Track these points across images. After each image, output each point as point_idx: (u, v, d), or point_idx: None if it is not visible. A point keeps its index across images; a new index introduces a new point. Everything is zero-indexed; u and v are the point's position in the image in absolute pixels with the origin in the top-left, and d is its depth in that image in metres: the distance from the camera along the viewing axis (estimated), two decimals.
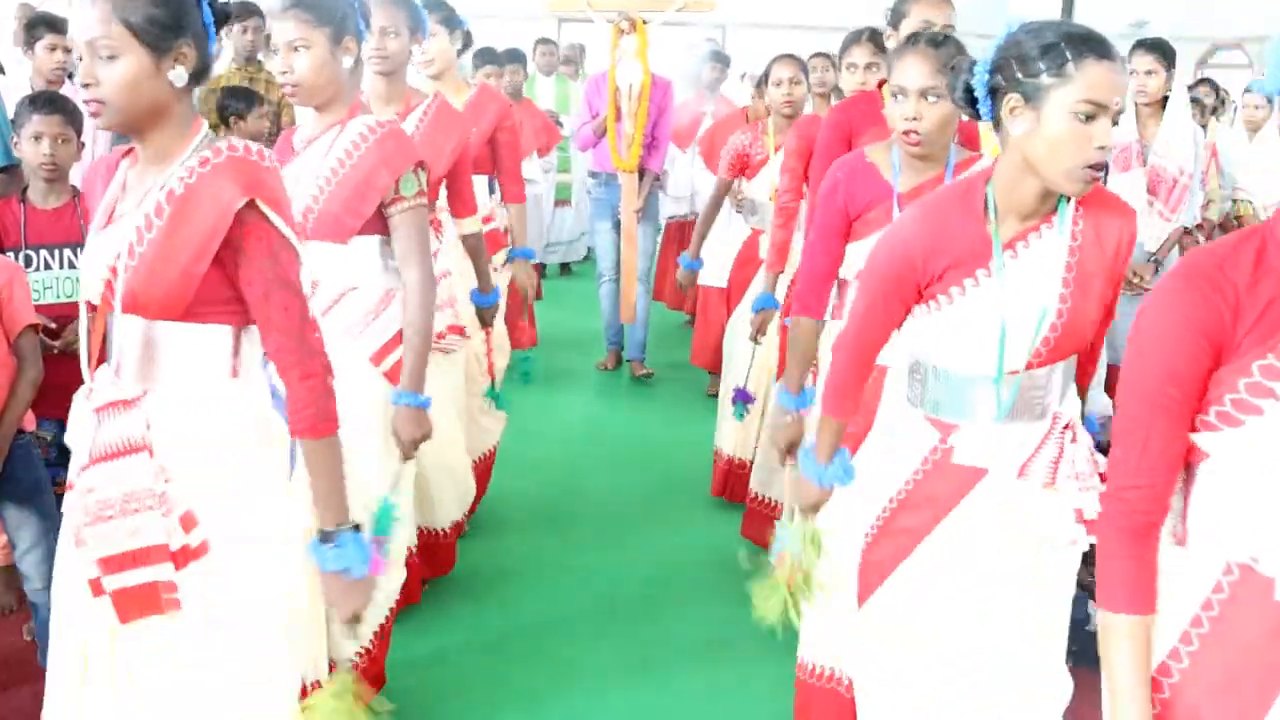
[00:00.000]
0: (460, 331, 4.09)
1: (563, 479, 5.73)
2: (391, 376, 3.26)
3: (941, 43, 3.00)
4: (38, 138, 3.68)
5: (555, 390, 7.15)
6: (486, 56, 7.07)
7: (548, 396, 6.94)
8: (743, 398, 5.12)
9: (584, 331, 8.34)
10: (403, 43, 3.97)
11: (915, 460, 2.60)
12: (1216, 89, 9.15)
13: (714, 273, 6.92)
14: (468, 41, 4.89)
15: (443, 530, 4.36)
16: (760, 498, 4.93)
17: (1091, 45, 2.21)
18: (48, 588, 3.36)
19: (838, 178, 3.19)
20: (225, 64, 7.12)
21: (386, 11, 3.89)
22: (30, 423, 3.51)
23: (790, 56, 5.64)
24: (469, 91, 4.84)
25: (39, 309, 3.56)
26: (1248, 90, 7.62)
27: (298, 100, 3.19)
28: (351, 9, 3.17)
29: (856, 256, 3.14)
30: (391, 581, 3.49)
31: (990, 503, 2.52)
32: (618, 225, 7.41)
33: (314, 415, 2.27)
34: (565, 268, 10.65)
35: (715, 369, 7.10)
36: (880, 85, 3.73)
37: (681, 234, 8.36)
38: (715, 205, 5.90)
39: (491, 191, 5.01)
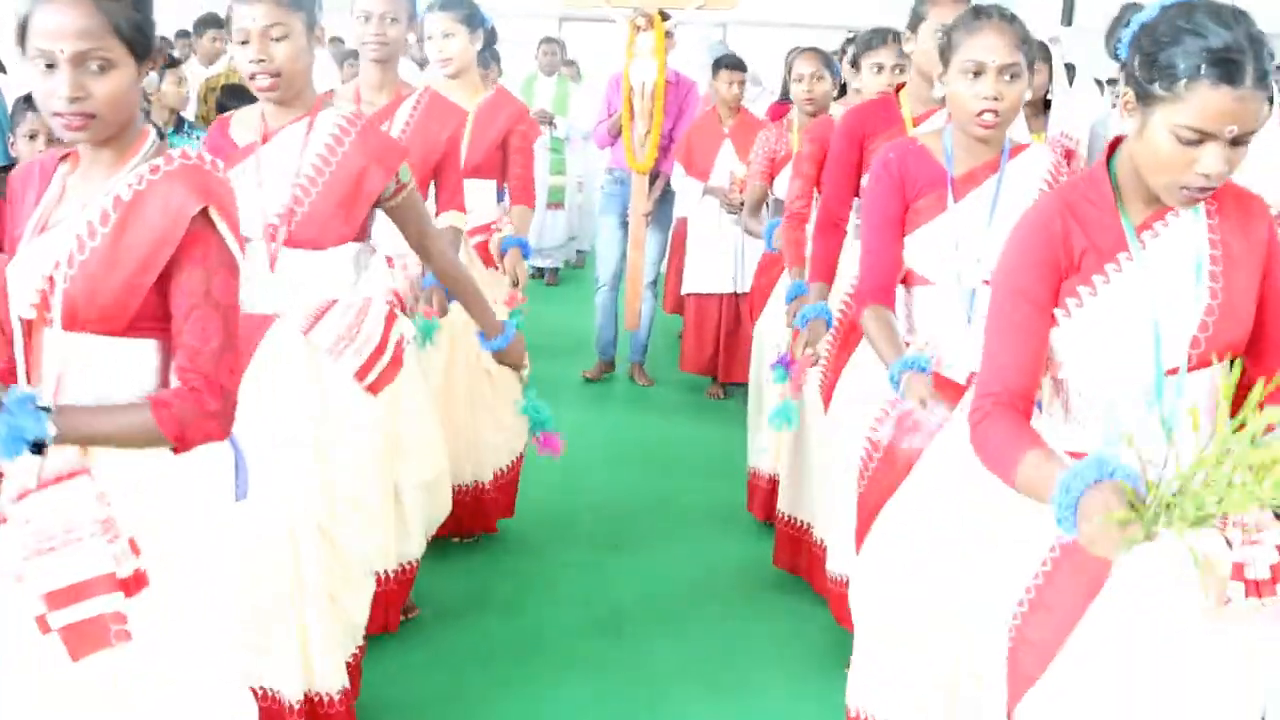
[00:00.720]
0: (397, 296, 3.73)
1: (564, 491, 5.39)
2: (374, 389, 3.10)
3: (1012, 18, 2.84)
4: (33, 136, 3.63)
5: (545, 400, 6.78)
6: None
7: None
8: (784, 363, 4.36)
9: (570, 338, 7.99)
10: (401, 30, 3.87)
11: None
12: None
13: (708, 279, 6.78)
14: (490, 40, 4.71)
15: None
16: (789, 519, 4.47)
17: (1215, 65, 1.92)
18: None
19: (890, 157, 3.00)
20: (225, 64, 7.16)
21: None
22: None
23: (813, 50, 5.31)
24: (484, 93, 4.63)
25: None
26: None
27: (275, 95, 2.91)
28: None
29: (909, 251, 3.03)
30: (359, 610, 3.21)
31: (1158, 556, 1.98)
32: (625, 225, 7.16)
33: (178, 422, 2.06)
34: (554, 274, 10.22)
35: (707, 372, 6.97)
36: (899, 89, 3.63)
37: (681, 240, 7.92)
38: (755, 214, 5.51)
39: (500, 199, 4.74)
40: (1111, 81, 8.88)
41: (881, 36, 4.16)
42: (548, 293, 9.55)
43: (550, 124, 9.26)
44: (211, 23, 7.80)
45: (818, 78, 5.20)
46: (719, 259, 6.73)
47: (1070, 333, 2.19)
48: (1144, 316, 2.13)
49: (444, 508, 3.82)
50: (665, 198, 7.12)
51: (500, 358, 3.52)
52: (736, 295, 6.63)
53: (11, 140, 3.77)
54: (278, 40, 2.85)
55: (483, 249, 4.52)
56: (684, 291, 7.06)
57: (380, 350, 3.10)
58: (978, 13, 2.88)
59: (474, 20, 4.47)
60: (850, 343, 3.66)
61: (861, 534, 2.99)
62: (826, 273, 3.78)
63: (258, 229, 2.93)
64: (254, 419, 2.68)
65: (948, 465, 2.61)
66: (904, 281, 3.07)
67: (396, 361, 3.16)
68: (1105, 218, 2.17)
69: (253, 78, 2.89)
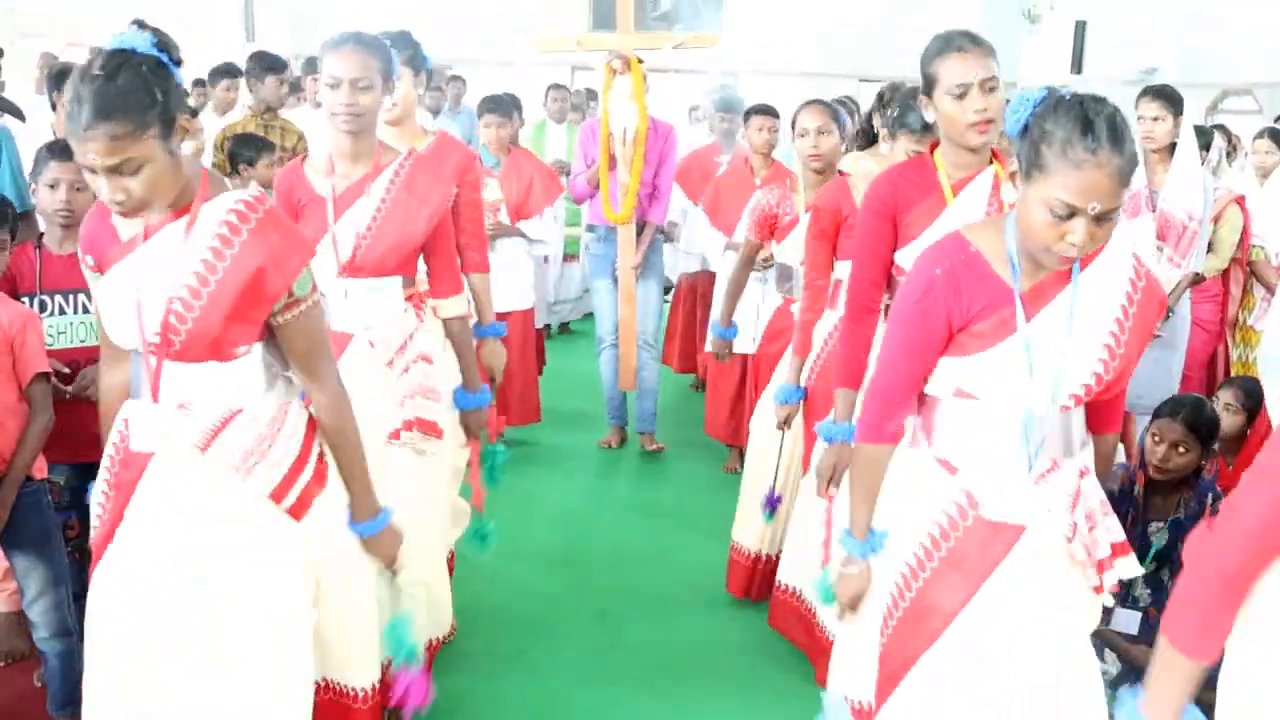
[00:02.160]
0: (433, 429, 3.54)
1: (560, 576, 5.03)
2: (295, 512, 2.61)
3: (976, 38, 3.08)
4: (54, 185, 3.65)
5: (553, 471, 6.45)
6: (490, 104, 6.55)
7: (544, 479, 6.27)
8: (772, 504, 4.50)
9: (589, 401, 7.44)
10: (375, 96, 3.43)
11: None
12: (1228, 135, 9.16)
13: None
14: (433, 81, 4.35)
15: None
16: (787, 588, 4.32)
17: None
18: (55, 635, 3.43)
19: (936, 274, 2.45)
20: (241, 112, 7.21)
21: (358, 60, 3.39)
22: (41, 469, 3.48)
23: (818, 103, 4.81)
24: (427, 139, 4.23)
25: (52, 354, 3.56)
26: (1259, 136, 7.61)
27: (131, 214, 2.40)
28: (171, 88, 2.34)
29: (955, 373, 2.53)
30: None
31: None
32: (618, 282, 6.67)
33: None
34: (564, 326, 9.80)
35: (731, 441, 6.46)
36: (932, 148, 3.26)
37: (694, 292, 7.76)
38: (745, 268, 5.20)
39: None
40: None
41: (912, 91, 3.78)
42: (563, 349, 9.08)
43: (566, 174, 8.66)
44: (225, 72, 7.83)
45: (823, 132, 4.72)
46: (740, 317, 6.17)
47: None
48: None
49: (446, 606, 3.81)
50: (655, 247, 6.69)
51: (368, 546, 2.80)
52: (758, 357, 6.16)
53: (33, 187, 3.80)
54: (127, 177, 2.31)
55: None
56: (706, 350, 6.63)
57: (300, 465, 2.63)
58: (946, 41, 3.09)
59: (416, 62, 4.11)
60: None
61: (884, 692, 2.63)
62: (855, 377, 3.33)
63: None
64: (142, 553, 2.55)
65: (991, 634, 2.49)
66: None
67: (320, 478, 2.67)
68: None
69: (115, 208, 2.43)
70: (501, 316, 6.37)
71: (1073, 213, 2.20)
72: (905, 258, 3.16)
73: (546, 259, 8.34)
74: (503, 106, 6.55)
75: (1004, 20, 16.48)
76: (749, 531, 4.68)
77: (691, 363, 7.96)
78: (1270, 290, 6.10)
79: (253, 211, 2.45)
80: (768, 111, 6.29)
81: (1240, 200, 6.03)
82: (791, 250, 4.88)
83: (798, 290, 4.60)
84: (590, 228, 6.94)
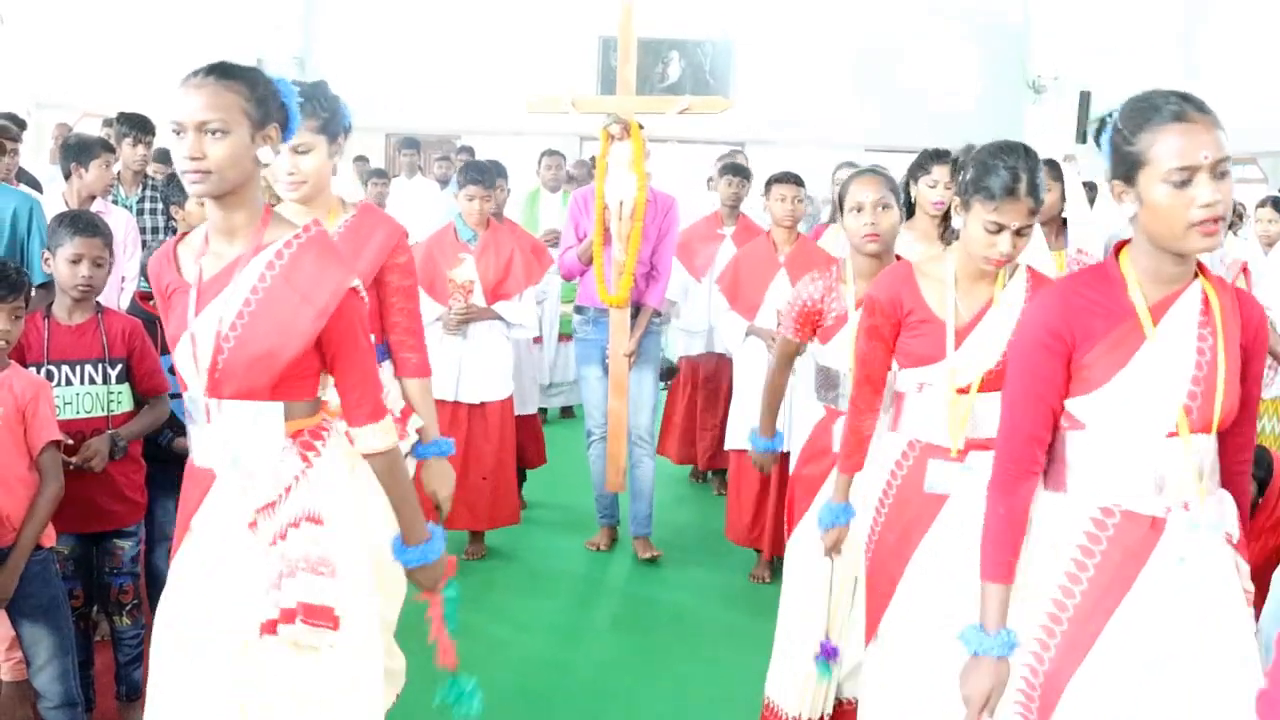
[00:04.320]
0: (325, 616, 2.54)
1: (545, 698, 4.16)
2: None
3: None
4: (77, 260, 3.62)
5: (535, 583, 5.52)
6: (474, 173, 5.66)
7: (526, 592, 5.37)
8: (828, 655, 3.63)
9: (583, 496, 6.40)
10: (237, 147, 2.44)
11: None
12: (1233, 204, 9.20)
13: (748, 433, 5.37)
14: (441, 151, 3.59)
15: None
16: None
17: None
18: (62, 705, 3.41)
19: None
20: None
21: (208, 97, 2.48)
22: (49, 538, 3.44)
23: (874, 172, 3.88)
24: (344, 214, 3.42)
25: (66, 425, 3.54)
26: (1262, 205, 7.63)
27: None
28: None
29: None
30: None
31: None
32: (609, 370, 5.83)
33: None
34: (567, 410, 8.91)
35: (754, 544, 5.61)
36: (1118, 249, 2.46)
37: (695, 375, 6.96)
38: (783, 369, 4.12)
39: (382, 358, 3.37)
40: None
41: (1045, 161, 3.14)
42: (559, 436, 8.00)
43: (558, 244, 7.79)
44: None
45: (883, 206, 3.76)
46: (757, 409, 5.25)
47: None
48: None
49: None
50: (651, 332, 5.88)
51: (413, 574, 2.86)
52: (786, 454, 4.94)
53: (46, 256, 3.75)
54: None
55: None
56: (727, 447, 5.85)
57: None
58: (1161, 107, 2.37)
59: (333, 127, 3.31)
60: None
61: None
62: (1007, 568, 2.51)
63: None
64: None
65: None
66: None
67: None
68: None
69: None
70: (475, 409, 5.69)
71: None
72: (1084, 409, 2.41)
73: (540, 339, 7.74)
74: (486, 176, 5.69)
75: (1008, 91, 16.60)
76: (790, 690, 3.81)
77: (691, 452, 7.11)
78: (1278, 359, 6.09)
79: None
80: (792, 180, 5.53)
81: (1245, 268, 6.04)
82: (837, 353, 3.86)
83: (846, 402, 3.70)
84: (579, 309, 6.04)
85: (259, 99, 2.45)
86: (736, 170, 6.82)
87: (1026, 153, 2.96)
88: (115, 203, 6.11)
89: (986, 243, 2.96)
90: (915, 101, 16.20)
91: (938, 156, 4.32)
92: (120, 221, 5.63)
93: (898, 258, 3.75)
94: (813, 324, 3.93)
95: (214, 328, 2.49)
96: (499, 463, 5.72)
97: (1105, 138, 2.35)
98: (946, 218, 4.29)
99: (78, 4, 12.94)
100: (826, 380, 3.93)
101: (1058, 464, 2.47)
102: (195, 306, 2.53)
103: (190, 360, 2.52)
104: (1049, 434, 2.45)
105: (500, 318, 5.69)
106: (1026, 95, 16.56)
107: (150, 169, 6.55)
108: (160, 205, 6.30)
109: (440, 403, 5.15)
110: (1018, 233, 2.95)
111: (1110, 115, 2.35)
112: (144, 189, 6.39)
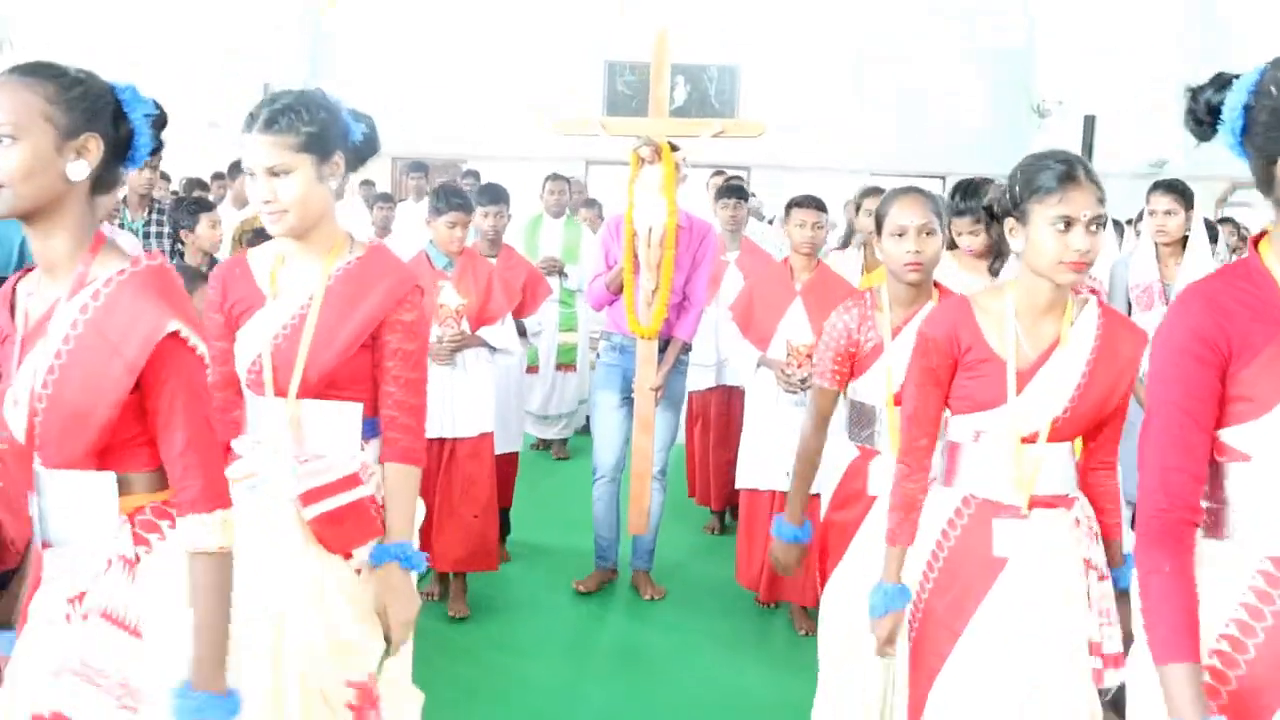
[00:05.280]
0: None
1: None
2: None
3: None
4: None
5: (521, 624, 5.15)
6: (453, 199, 5.24)
7: (502, 653, 4.90)
8: None
9: (573, 532, 6.10)
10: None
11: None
12: (1238, 228, 9.22)
13: (761, 472, 5.17)
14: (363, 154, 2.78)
15: None
16: None
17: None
18: None
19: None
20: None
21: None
22: None
23: (918, 192, 3.45)
24: (349, 254, 2.80)
25: None
26: None
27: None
28: None
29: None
30: None
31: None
32: (628, 402, 5.47)
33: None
34: (562, 445, 8.40)
35: (763, 592, 5.27)
36: (1255, 242, 2.06)
37: (705, 411, 6.58)
38: (820, 429, 3.59)
39: (366, 434, 2.80)
40: (1130, 222, 9.00)
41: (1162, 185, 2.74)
42: (553, 468, 7.84)
43: (560, 274, 7.86)
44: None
45: (928, 232, 3.38)
46: (776, 449, 4.96)
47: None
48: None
49: None
50: (678, 368, 5.52)
51: (385, 591, 2.68)
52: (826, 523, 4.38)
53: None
54: None
55: (330, 523, 2.69)
56: (737, 485, 5.46)
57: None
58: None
59: (324, 143, 2.63)
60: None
61: None
62: (1187, 647, 1.98)
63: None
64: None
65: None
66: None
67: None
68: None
69: None
70: (462, 443, 5.22)
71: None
72: (1246, 439, 1.98)
73: (535, 369, 7.50)
74: (466, 202, 5.31)
75: (1012, 115, 16.64)
76: None
77: (704, 496, 6.73)
78: None
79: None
80: (814, 204, 5.17)
81: None
82: (872, 387, 3.51)
83: (883, 440, 3.43)
84: (606, 335, 5.69)
85: (70, 103, 2.02)
86: (733, 192, 6.50)
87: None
88: (121, 226, 6.09)
89: (1059, 247, 2.55)
90: (921, 126, 16.23)
91: (875, 191, 4.12)
92: (126, 245, 5.60)
93: (936, 285, 3.47)
94: (852, 361, 3.50)
95: (28, 383, 2.07)
96: (483, 500, 5.26)
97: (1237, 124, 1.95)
98: (991, 251, 4.17)
99: (85, 29, 12.99)
100: (860, 417, 3.53)
101: (1216, 506, 2.03)
102: (18, 357, 2.11)
103: (18, 422, 2.08)
104: (1207, 466, 2.00)
105: (486, 344, 5.32)
106: (1031, 119, 16.57)
107: (156, 192, 6.56)
108: (168, 229, 6.30)
109: (429, 441, 4.82)
110: (1090, 229, 2.55)
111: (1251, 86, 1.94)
112: (151, 212, 6.40)
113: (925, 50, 16.17)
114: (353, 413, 2.71)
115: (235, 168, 7.74)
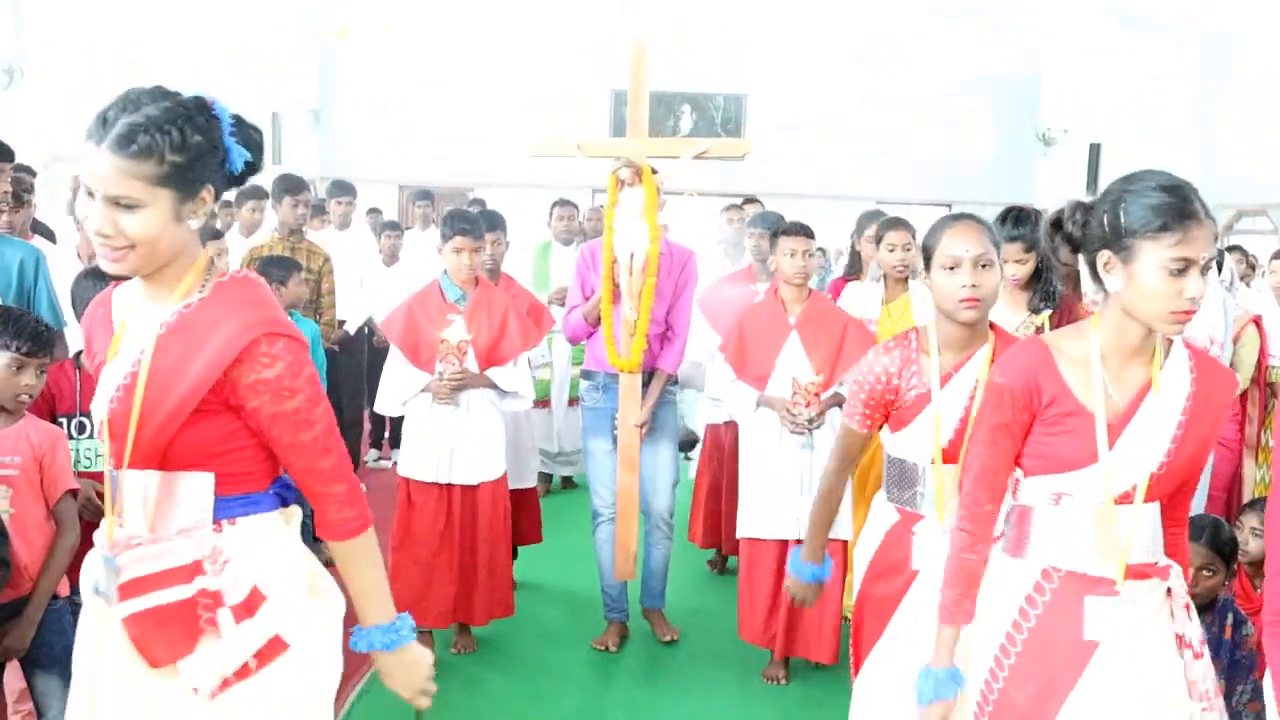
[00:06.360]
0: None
1: None
2: None
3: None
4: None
5: (529, 685, 4.79)
6: (459, 223, 4.96)
7: (523, 694, 4.67)
8: None
9: (585, 580, 5.66)
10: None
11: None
12: (1245, 255, 9.23)
13: (762, 521, 4.82)
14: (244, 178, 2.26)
15: None
16: None
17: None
18: None
19: None
20: (268, 234, 7.32)
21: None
22: (64, 588, 3.36)
23: (971, 219, 3.12)
24: (192, 293, 2.21)
25: (91, 475, 3.51)
26: (1275, 256, 7.64)
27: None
28: None
29: None
30: None
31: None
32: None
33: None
34: (568, 481, 7.97)
35: (767, 644, 4.88)
36: None
37: (721, 446, 6.18)
38: (842, 471, 3.33)
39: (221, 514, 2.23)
40: None
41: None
42: (561, 508, 7.28)
43: (564, 303, 7.10)
44: (252, 194, 7.81)
45: (984, 265, 3.07)
46: (779, 494, 4.69)
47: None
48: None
49: None
50: (667, 401, 5.17)
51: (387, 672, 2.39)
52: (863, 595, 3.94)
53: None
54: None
55: (149, 624, 2.15)
56: (738, 536, 5.00)
57: None
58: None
59: (190, 177, 2.08)
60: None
61: None
62: None
63: None
64: None
65: None
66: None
67: None
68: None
69: None
70: (468, 490, 4.94)
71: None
72: None
73: (548, 403, 7.22)
74: (475, 226, 4.97)
75: (1018, 143, 16.68)
76: None
77: (716, 537, 6.27)
78: None
79: None
80: (801, 231, 4.78)
81: (1258, 320, 6.02)
82: (916, 443, 3.11)
83: (927, 503, 3.05)
84: (586, 374, 5.29)
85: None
86: (764, 220, 6.07)
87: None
88: None
89: (1170, 292, 2.21)
90: (927, 154, 16.26)
91: (895, 223, 4.07)
92: None
93: (992, 326, 3.08)
94: (886, 408, 3.12)
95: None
96: (494, 548, 4.93)
97: None
98: (1036, 280, 3.82)
99: (94, 57, 13.05)
100: (902, 476, 3.13)
101: None
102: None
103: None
104: None
105: (495, 385, 4.93)
106: (1037, 148, 16.60)
107: None
108: None
109: (430, 486, 4.81)
110: (1204, 272, 2.25)
111: None
112: None
113: (931, 78, 16.18)
114: (199, 486, 2.17)
115: (242, 195, 7.74)
